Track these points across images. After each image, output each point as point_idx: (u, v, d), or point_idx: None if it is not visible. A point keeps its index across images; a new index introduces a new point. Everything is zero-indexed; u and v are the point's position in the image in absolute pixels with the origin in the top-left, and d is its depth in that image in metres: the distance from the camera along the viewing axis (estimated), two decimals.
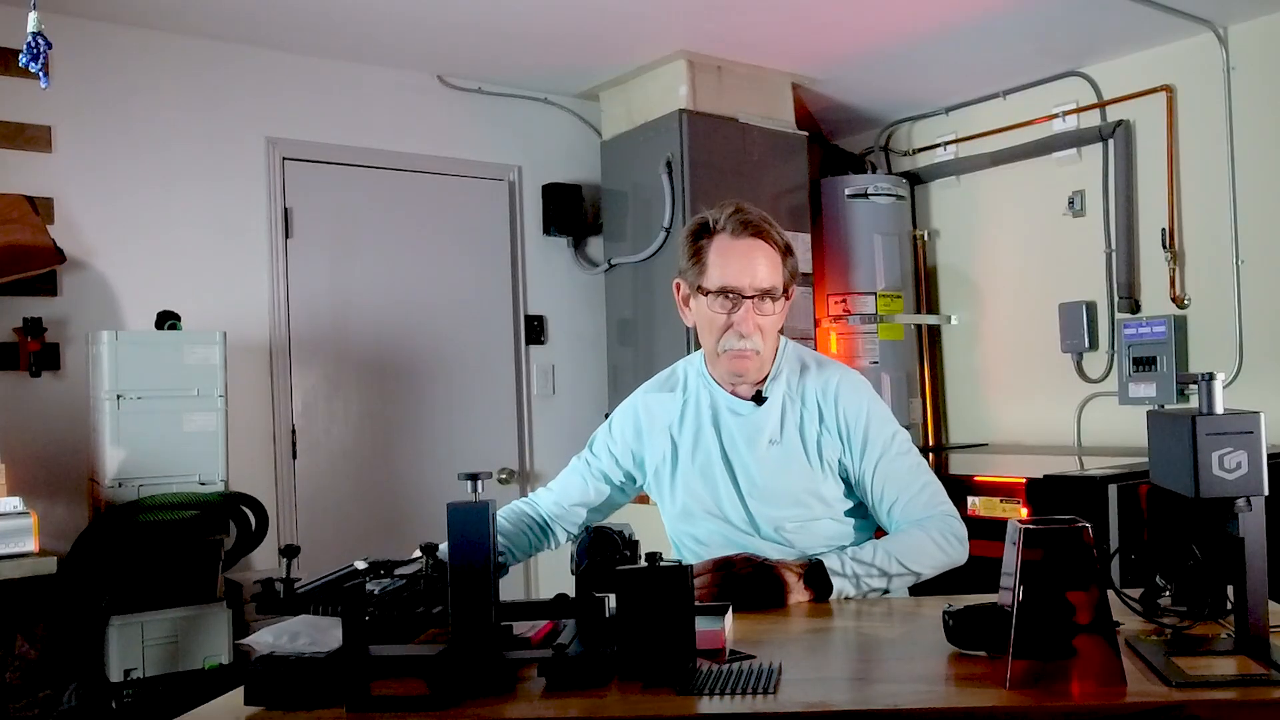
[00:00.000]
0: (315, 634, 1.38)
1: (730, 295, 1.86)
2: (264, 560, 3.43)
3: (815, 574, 1.79)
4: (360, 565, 1.36)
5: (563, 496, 2.10)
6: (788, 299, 1.92)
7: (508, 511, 2.10)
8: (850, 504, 1.96)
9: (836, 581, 1.78)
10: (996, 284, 4.55)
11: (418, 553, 1.50)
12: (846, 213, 4.51)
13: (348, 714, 1.26)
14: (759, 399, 1.94)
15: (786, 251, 1.90)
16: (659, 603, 1.34)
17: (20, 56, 1.92)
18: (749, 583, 1.75)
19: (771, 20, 3.63)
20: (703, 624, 1.45)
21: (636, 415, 2.06)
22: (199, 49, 3.61)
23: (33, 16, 1.92)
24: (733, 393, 1.96)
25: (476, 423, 4.18)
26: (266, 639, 1.37)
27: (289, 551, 1.35)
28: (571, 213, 4.34)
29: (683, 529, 2.02)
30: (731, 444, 1.95)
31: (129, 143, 3.47)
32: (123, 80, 3.47)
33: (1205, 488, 1.33)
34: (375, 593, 1.36)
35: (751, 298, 1.85)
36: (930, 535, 1.84)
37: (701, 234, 1.90)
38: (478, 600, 1.35)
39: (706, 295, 1.88)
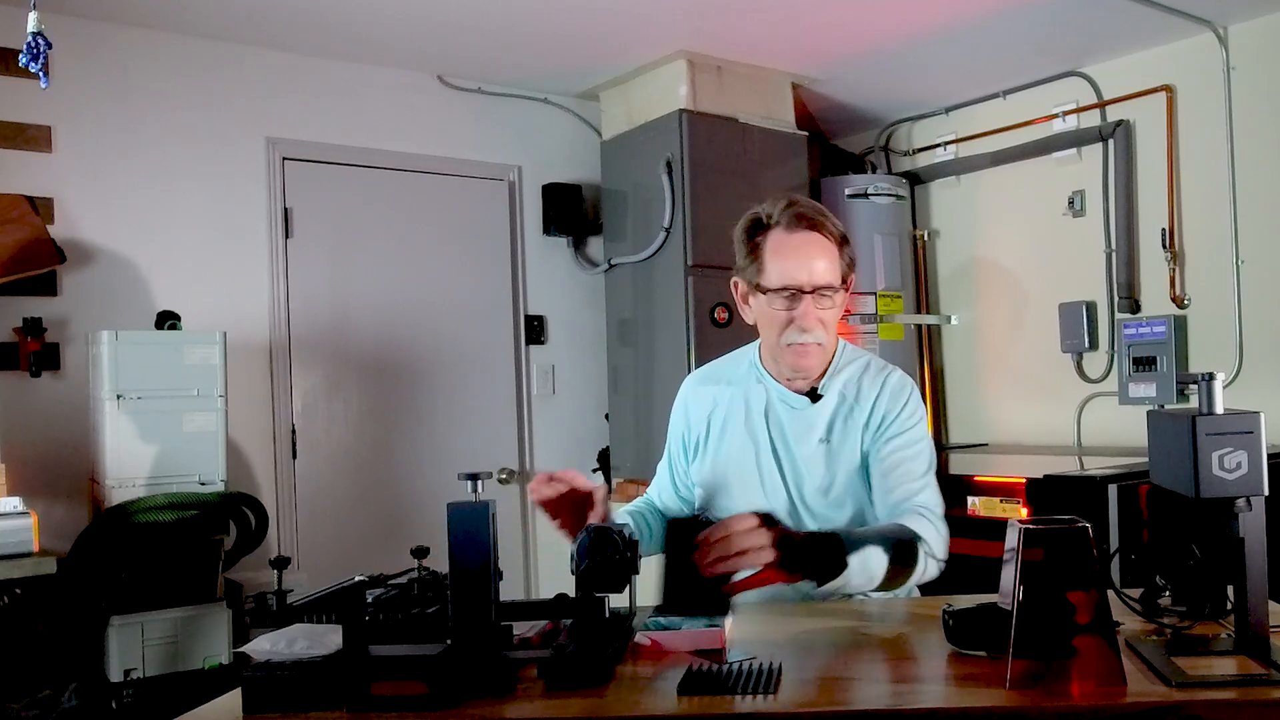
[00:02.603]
0: (312, 639, 1.38)
1: (791, 292, 1.82)
2: (267, 559, 3.43)
3: (820, 548, 1.63)
4: (360, 579, 1.37)
5: (660, 500, 2.11)
6: (846, 290, 1.89)
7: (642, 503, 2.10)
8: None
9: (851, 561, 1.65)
10: (996, 284, 4.55)
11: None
12: (847, 213, 4.49)
13: (348, 714, 1.26)
14: (814, 395, 1.92)
15: (843, 242, 1.87)
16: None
17: (20, 56, 1.93)
18: (806, 550, 1.60)
19: (771, 20, 3.62)
20: (703, 624, 1.45)
21: (686, 406, 2.06)
22: (199, 49, 3.61)
23: (33, 16, 1.92)
24: (787, 387, 1.94)
25: (476, 423, 4.18)
26: (264, 646, 1.37)
27: (279, 563, 1.35)
28: (571, 213, 4.34)
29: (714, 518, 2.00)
30: (782, 438, 1.93)
31: (129, 143, 3.47)
32: (123, 80, 3.47)
33: (1205, 488, 1.33)
34: (370, 601, 1.36)
35: (811, 293, 1.82)
36: (924, 552, 1.77)
37: (755, 230, 1.87)
38: (478, 600, 1.35)
39: (766, 293, 1.85)
